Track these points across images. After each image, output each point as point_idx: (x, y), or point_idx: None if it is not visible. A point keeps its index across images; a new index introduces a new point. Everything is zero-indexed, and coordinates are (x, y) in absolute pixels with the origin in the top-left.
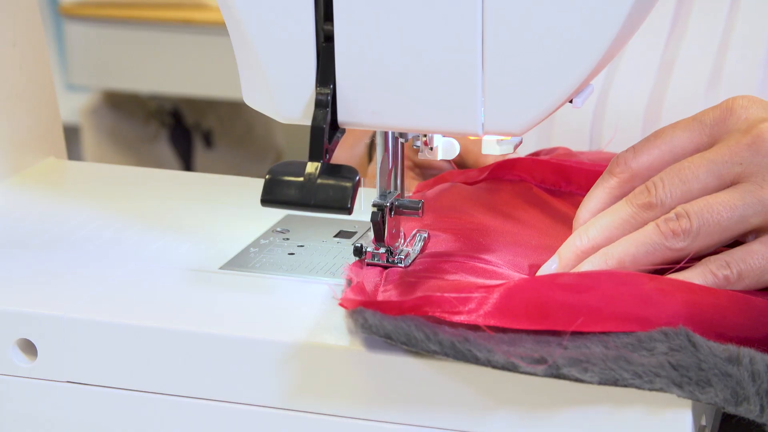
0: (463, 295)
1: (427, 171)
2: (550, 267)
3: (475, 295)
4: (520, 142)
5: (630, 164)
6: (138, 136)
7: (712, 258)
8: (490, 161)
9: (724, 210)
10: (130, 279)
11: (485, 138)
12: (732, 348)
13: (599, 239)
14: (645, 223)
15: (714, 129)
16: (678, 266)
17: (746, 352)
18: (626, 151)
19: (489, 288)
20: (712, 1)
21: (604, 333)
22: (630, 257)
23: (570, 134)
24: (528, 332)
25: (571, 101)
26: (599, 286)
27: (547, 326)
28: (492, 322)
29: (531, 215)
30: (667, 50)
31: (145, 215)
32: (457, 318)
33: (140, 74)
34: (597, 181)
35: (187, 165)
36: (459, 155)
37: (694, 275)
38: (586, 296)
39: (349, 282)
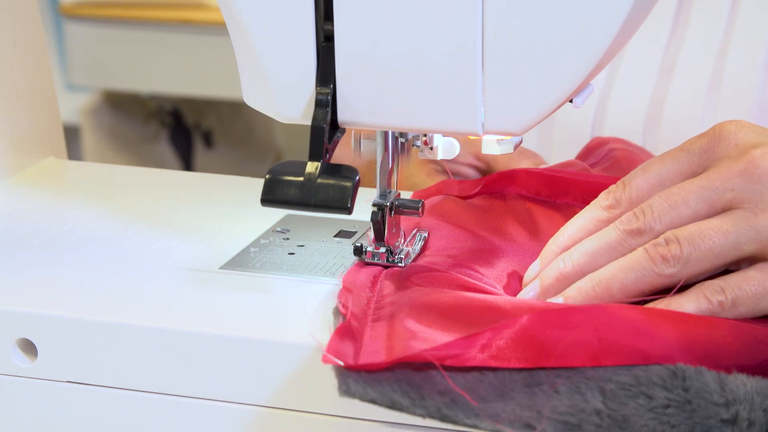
0: (450, 352)
1: (456, 177)
2: (529, 293)
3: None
4: (520, 142)
5: (619, 198)
6: (138, 136)
7: (707, 283)
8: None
9: (716, 236)
10: (130, 279)
11: (485, 138)
12: (732, 398)
13: (583, 264)
14: (632, 250)
15: (703, 157)
16: (670, 294)
17: (746, 412)
18: (615, 185)
19: (477, 336)
20: (713, 3)
21: (600, 368)
22: (618, 283)
23: (570, 134)
24: (519, 371)
25: (571, 101)
26: (590, 320)
27: (540, 364)
28: (482, 363)
29: (520, 233)
30: (668, 52)
31: (145, 215)
32: (446, 362)
33: (140, 74)
34: (584, 209)
35: (187, 165)
36: (487, 164)
37: (688, 300)
38: (577, 331)
39: (337, 310)
